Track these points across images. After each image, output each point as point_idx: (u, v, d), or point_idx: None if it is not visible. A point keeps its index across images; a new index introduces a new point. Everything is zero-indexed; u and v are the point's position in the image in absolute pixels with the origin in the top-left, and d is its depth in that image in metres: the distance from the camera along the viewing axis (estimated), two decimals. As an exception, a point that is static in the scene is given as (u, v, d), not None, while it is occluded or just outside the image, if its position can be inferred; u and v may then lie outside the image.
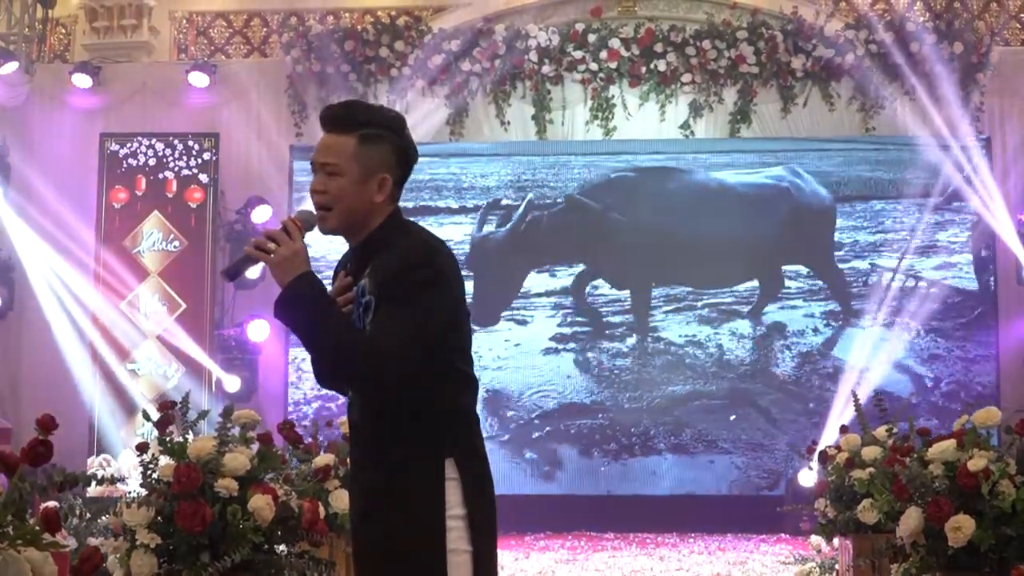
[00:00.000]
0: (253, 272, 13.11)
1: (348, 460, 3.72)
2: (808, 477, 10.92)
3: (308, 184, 3.59)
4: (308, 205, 3.60)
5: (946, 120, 13.24)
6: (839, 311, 13.35)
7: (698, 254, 13.41)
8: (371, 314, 3.40)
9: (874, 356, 12.89)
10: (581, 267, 13.55)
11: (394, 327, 3.33)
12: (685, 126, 13.73)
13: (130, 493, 4.93)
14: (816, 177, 13.46)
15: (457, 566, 3.41)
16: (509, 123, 13.86)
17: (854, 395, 7.43)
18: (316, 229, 3.51)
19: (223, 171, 13.49)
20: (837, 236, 13.41)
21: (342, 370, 3.44)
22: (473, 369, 3.61)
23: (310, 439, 6.50)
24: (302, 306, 3.37)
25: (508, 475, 13.07)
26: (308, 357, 3.76)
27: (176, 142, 13.26)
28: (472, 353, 3.63)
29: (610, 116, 13.75)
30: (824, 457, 7.58)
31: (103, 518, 6.49)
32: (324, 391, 3.78)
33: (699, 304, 13.45)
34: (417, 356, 3.36)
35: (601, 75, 13.71)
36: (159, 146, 13.21)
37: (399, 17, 13.92)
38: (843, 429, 7.75)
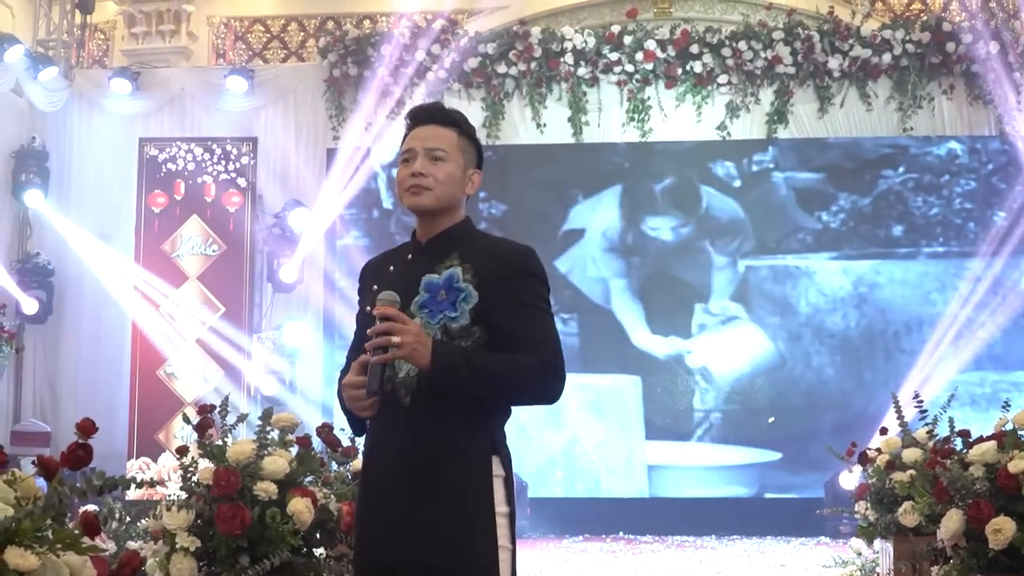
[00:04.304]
0: (289, 275, 13.21)
1: (376, 438, 3.62)
2: (848, 479, 10.86)
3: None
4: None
5: (984, 119, 13.20)
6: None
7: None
8: (472, 302, 3.43)
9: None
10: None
11: (552, 334, 3.47)
12: (722, 127, 13.70)
13: (169, 496, 4.93)
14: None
15: (503, 562, 3.42)
16: (545, 125, 13.85)
17: (893, 396, 7.38)
18: (405, 204, 3.58)
19: (261, 175, 13.55)
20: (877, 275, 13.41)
21: (533, 394, 3.48)
22: None
23: (349, 442, 6.50)
24: (459, 375, 3.36)
25: (544, 478, 13.09)
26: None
27: (214, 146, 13.31)
28: None
29: (646, 118, 13.73)
30: (864, 459, 7.53)
31: (142, 521, 6.52)
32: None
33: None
34: None
35: (637, 77, 13.70)
36: (198, 151, 13.26)
37: (435, 20, 13.92)
38: (883, 431, 7.70)
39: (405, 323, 3.35)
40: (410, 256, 3.61)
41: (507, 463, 3.51)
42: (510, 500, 3.49)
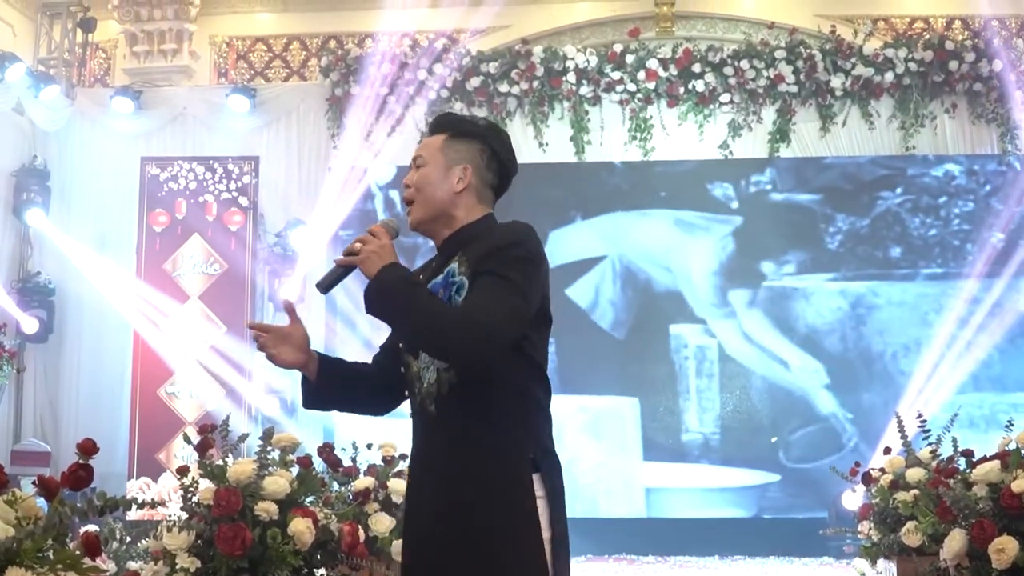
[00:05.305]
0: (290, 295, 13.18)
1: (414, 452, 3.55)
2: (852, 499, 10.83)
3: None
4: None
5: (987, 137, 13.22)
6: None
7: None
8: (464, 292, 3.38)
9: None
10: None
11: (494, 297, 3.29)
12: (724, 146, 13.70)
13: (170, 517, 4.92)
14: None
15: None
16: (547, 144, 13.84)
17: (897, 416, 7.36)
18: (401, 232, 3.61)
19: (263, 194, 13.52)
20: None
21: (442, 344, 3.30)
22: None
23: (350, 462, 6.49)
24: (390, 293, 3.34)
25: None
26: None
27: (216, 165, 13.30)
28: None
29: (648, 136, 13.73)
30: (868, 479, 7.51)
31: (143, 542, 6.50)
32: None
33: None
34: (516, 330, 3.32)
35: (639, 96, 13.70)
36: (199, 169, 13.26)
37: (437, 40, 13.93)
38: (887, 450, 7.68)
39: (378, 238, 3.43)
40: (434, 264, 3.62)
41: (551, 479, 3.38)
42: (554, 522, 3.36)
